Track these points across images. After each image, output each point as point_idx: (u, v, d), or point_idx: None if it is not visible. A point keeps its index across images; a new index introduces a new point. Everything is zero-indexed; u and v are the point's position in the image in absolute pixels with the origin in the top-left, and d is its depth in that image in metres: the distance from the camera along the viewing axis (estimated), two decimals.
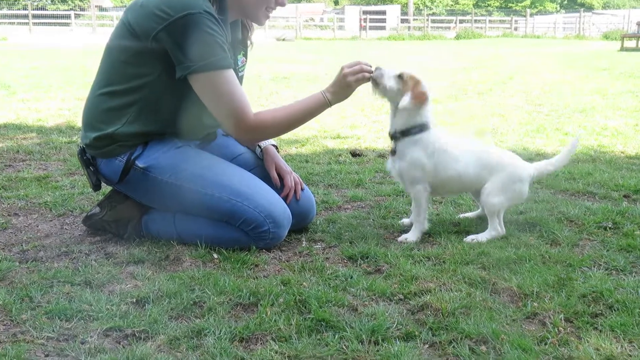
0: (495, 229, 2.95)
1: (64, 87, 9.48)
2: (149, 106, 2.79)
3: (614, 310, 2.19)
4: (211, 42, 2.65)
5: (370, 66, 2.91)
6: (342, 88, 2.87)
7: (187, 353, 1.91)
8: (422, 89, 2.91)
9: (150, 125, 2.82)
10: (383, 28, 41.69)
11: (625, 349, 1.93)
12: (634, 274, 2.53)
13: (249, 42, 3.11)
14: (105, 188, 3.11)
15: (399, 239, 2.98)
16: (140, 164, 2.82)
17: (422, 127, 2.94)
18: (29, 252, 2.78)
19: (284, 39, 29.75)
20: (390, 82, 2.90)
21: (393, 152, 3.02)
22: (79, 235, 3.02)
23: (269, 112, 2.94)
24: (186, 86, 2.73)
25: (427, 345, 1.98)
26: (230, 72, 2.73)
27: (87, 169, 2.93)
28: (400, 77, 2.92)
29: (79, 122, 6.24)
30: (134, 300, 2.27)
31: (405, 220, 3.18)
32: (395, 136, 2.98)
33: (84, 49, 18.49)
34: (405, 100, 2.86)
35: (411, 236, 2.98)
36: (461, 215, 3.32)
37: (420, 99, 2.89)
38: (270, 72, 11.92)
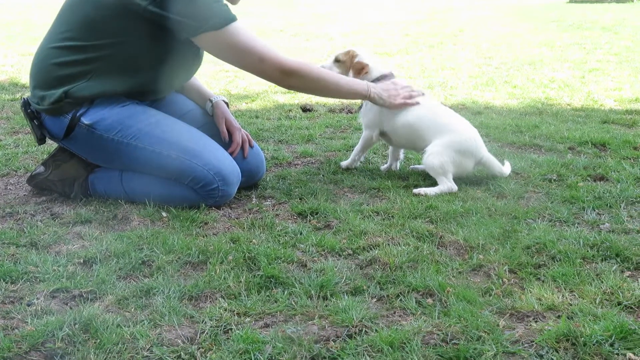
0: (444, 183, 2.99)
1: (7, 42, 9.19)
2: (112, 66, 2.75)
3: (556, 260, 2.25)
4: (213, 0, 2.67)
5: (423, 94, 3.17)
6: (385, 103, 3.09)
7: (136, 312, 1.91)
8: (357, 59, 3.20)
9: (109, 86, 2.77)
10: None
11: (566, 298, 1.99)
12: (576, 225, 2.60)
13: None
14: (50, 146, 3.05)
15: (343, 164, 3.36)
16: (85, 120, 2.76)
17: (379, 79, 3.16)
18: None
19: None
20: (337, 70, 3.20)
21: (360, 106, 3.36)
22: (24, 195, 2.96)
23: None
24: (160, 49, 2.72)
25: (375, 299, 2.01)
26: (238, 23, 2.73)
27: (32, 122, 2.86)
28: (337, 60, 3.25)
29: (22, 79, 6.08)
30: (81, 260, 2.24)
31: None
32: None
33: (27, 3, 17.88)
34: (351, 77, 3.15)
35: (345, 162, 3.36)
36: (411, 167, 3.35)
37: (360, 71, 3.18)
38: None
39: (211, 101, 3.18)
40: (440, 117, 3.11)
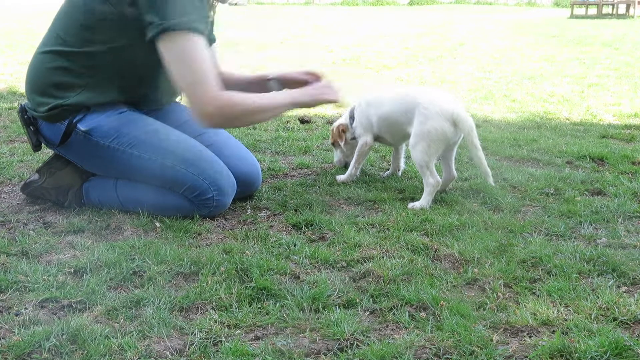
0: (428, 184, 2.94)
1: (7, 51, 9.19)
2: (109, 76, 2.73)
3: (552, 275, 2.23)
4: (187, 2, 2.54)
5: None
6: (314, 101, 2.90)
7: (125, 323, 1.88)
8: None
9: (108, 96, 2.76)
10: None
11: (561, 313, 1.97)
12: (572, 239, 2.58)
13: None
14: (46, 155, 3.03)
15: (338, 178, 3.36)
16: (81, 127, 2.74)
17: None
18: None
19: (235, 4, 29.28)
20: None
21: None
22: (18, 204, 2.94)
23: (238, 93, 2.71)
24: (155, 58, 2.64)
25: (367, 312, 1.98)
26: (202, 39, 2.57)
27: (28, 128, 2.84)
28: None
29: (20, 88, 6.08)
30: (72, 270, 2.22)
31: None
32: None
33: (29, 12, 17.93)
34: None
35: (342, 177, 3.35)
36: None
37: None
38: (218, 38, 11.72)
39: (268, 79, 3.16)
40: (404, 98, 3.10)
